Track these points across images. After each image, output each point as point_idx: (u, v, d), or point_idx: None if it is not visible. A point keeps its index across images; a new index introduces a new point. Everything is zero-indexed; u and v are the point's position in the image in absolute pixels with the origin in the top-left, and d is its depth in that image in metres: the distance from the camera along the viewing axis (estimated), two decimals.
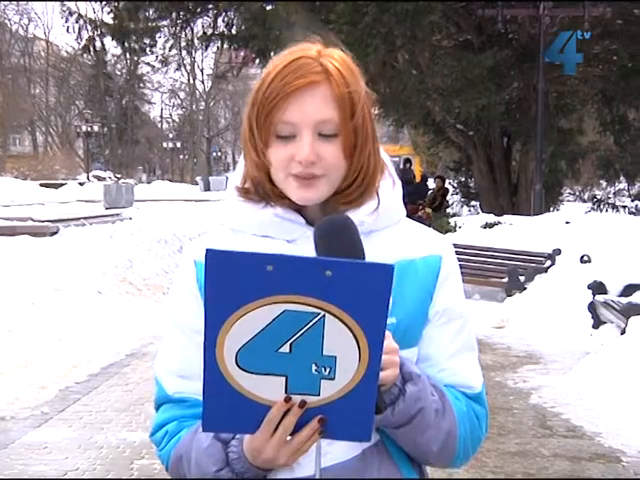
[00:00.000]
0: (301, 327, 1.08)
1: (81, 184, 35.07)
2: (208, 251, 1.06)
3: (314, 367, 1.11)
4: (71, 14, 22.62)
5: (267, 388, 1.12)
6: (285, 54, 1.32)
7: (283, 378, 1.12)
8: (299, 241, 1.33)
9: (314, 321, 1.08)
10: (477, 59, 15.10)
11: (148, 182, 47.24)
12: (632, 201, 18.93)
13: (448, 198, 20.80)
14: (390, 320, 1.26)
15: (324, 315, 1.08)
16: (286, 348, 1.09)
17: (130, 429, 5.48)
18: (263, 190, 1.36)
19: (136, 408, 5.95)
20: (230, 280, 1.06)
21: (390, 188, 1.41)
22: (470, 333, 1.42)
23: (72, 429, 5.48)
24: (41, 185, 30.79)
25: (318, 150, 1.29)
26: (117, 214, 17.12)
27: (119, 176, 35.20)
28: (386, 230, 1.39)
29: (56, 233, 12.35)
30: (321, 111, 1.28)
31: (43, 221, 13.73)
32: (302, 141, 1.28)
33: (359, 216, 1.34)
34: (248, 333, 1.08)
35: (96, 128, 45.90)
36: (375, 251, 1.32)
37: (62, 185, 33.00)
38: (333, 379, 1.12)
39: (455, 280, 1.41)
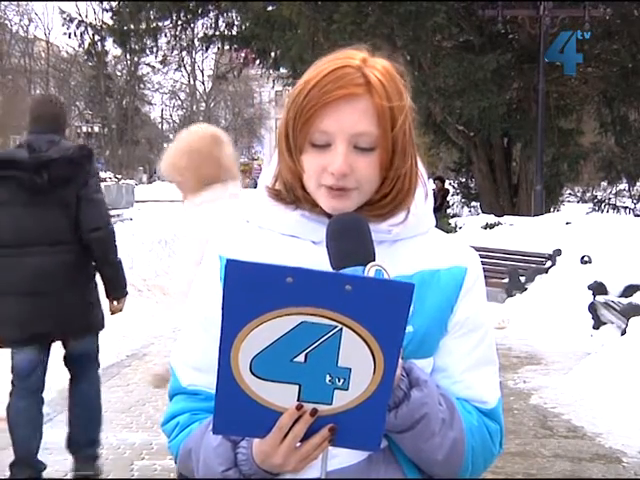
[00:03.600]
0: (317, 338, 1.09)
1: None
2: (229, 261, 1.07)
3: (328, 377, 1.12)
4: (71, 20, 22.64)
5: (280, 395, 1.13)
6: (329, 60, 1.30)
7: (296, 386, 1.13)
8: (325, 243, 1.31)
9: (331, 333, 1.09)
10: (479, 62, 15.10)
11: (149, 183, 47.26)
12: (634, 203, 18.92)
13: (448, 199, 20.80)
14: (407, 329, 1.27)
15: (341, 328, 1.08)
16: (301, 358, 1.10)
17: (130, 430, 5.48)
18: (294, 195, 1.35)
19: (136, 409, 5.95)
20: (249, 290, 1.07)
21: (422, 198, 1.40)
22: (490, 347, 1.40)
23: None
24: None
25: (352, 162, 1.27)
26: (118, 215, 17.12)
27: (119, 177, 35.20)
28: (413, 239, 1.38)
29: None
30: (358, 124, 1.26)
31: None
32: (336, 152, 1.27)
33: (385, 225, 1.34)
34: (264, 341, 1.09)
35: (96, 129, 45.94)
36: (399, 260, 1.33)
37: None
38: (346, 390, 1.12)
39: (478, 293, 1.39)
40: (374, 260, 1.22)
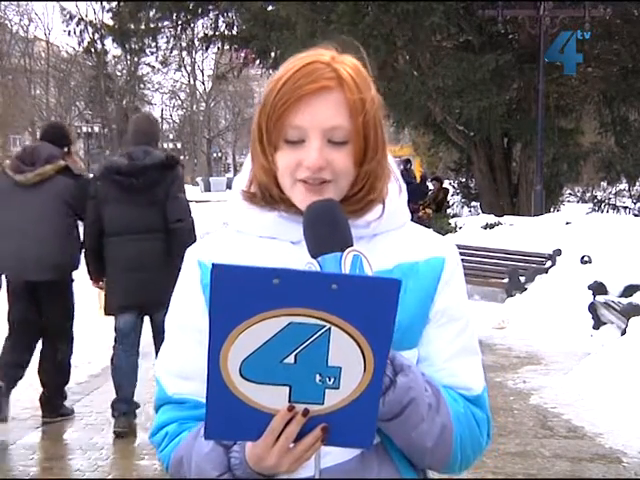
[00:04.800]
0: (306, 339, 1.09)
1: None
2: (214, 265, 1.07)
3: (318, 377, 1.11)
4: (72, 18, 22.64)
5: (271, 397, 1.13)
6: (298, 58, 1.31)
7: (287, 388, 1.12)
8: (304, 242, 1.31)
9: (319, 333, 1.08)
10: (479, 61, 15.10)
11: None
12: (634, 203, 18.92)
13: (449, 198, 20.81)
14: None
15: (329, 327, 1.08)
16: (291, 359, 1.10)
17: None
18: (270, 195, 1.36)
19: None
20: (236, 294, 1.06)
21: (396, 193, 1.41)
22: (472, 336, 1.41)
23: (72, 430, 5.48)
24: None
25: (327, 156, 1.28)
26: None
27: None
28: (390, 233, 1.39)
29: None
30: (332, 117, 1.28)
31: None
32: (310, 146, 1.28)
33: (362, 221, 1.35)
34: (253, 344, 1.09)
35: (96, 129, 45.93)
36: (378, 254, 1.33)
37: None
38: (337, 389, 1.12)
39: (458, 283, 1.40)
40: (352, 245, 1.23)
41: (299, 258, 1.27)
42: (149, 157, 5.07)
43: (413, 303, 1.34)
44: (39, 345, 5.56)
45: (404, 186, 1.44)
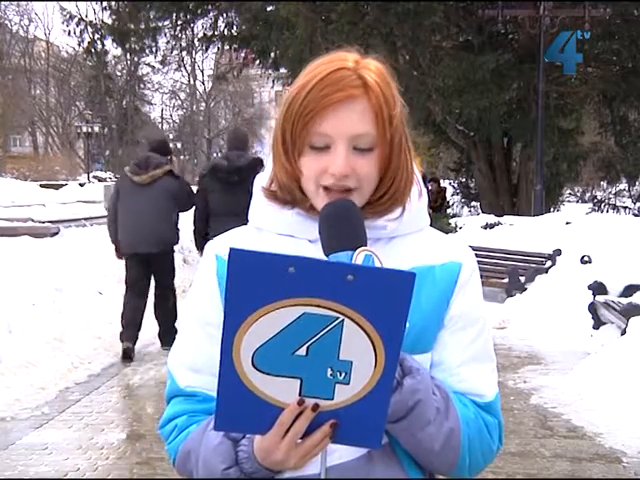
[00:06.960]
0: (319, 330, 1.08)
1: (81, 185, 35.09)
2: (232, 250, 1.06)
3: (329, 371, 1.11)
4: (72, 18, 22.59)
5: (281, 390, 1.12)
6: (323, 63, 1.31)
7: (298, 381, 1.12)
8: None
9: (332, 325, 1.08)
10: (479, 61, 15.10)
11: None
12: (634, 203, 18.94)
13: (449, 199, 20.82)
14: None
15: (343, 320, 1.07)
16: (303, 351, 1.09)
17: (130, 430, 5.47)
18: (292, 196, 1.36)
19: (136, 409, 5.95)
20: (252, 280, 1.06)
21: (416, 196, 1.41)
22: (487, 342, 1.41)
23: (72, 430, 5.48)
24: (41, 186, 30.81)
25: (352, 163, 1.28)
26: None
27: (120, 177, 35.10)
28: (409, 236, 1.39)
29: (57, 234, 12.35)
30: (358, 125, 1.28)
31: (43, 222, 13.73)
32: (337, 154, 1.28)
33: (381, 221, 1.35)
34: (266, 334, 1.08)
35: (96, 129, 45.91)
36: (395, 256, 1.34)
37: (62, 186, 33.01)
38: (348, 384, 1.12)
39: (474, 288, 1.40)
40: (365, 245, 1.23)
41: (316, 256, 1.27)
42: (242, 159, 6.81)
43: (428, 307, 1.34)
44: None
45: (424, 190, 1.44)
